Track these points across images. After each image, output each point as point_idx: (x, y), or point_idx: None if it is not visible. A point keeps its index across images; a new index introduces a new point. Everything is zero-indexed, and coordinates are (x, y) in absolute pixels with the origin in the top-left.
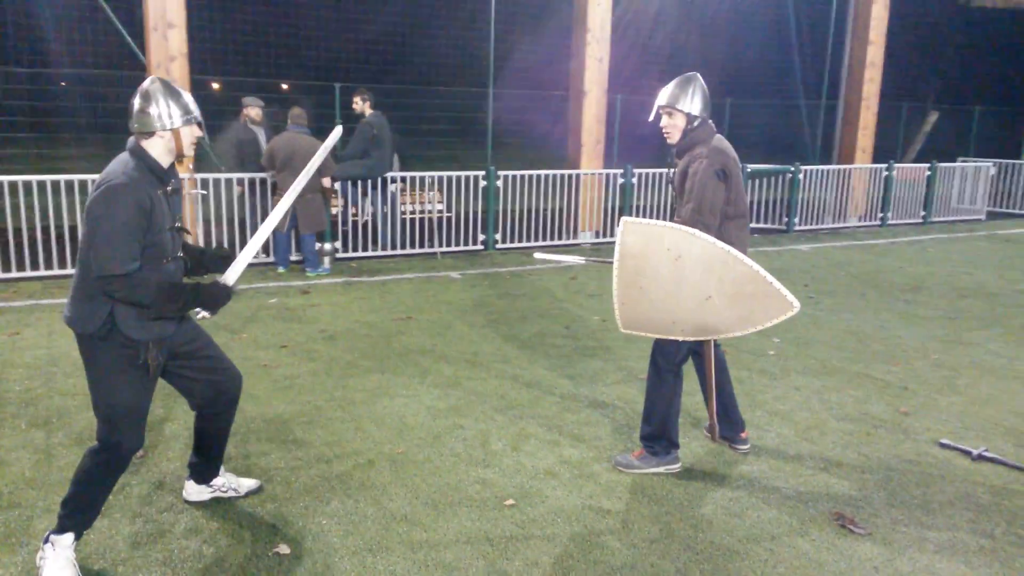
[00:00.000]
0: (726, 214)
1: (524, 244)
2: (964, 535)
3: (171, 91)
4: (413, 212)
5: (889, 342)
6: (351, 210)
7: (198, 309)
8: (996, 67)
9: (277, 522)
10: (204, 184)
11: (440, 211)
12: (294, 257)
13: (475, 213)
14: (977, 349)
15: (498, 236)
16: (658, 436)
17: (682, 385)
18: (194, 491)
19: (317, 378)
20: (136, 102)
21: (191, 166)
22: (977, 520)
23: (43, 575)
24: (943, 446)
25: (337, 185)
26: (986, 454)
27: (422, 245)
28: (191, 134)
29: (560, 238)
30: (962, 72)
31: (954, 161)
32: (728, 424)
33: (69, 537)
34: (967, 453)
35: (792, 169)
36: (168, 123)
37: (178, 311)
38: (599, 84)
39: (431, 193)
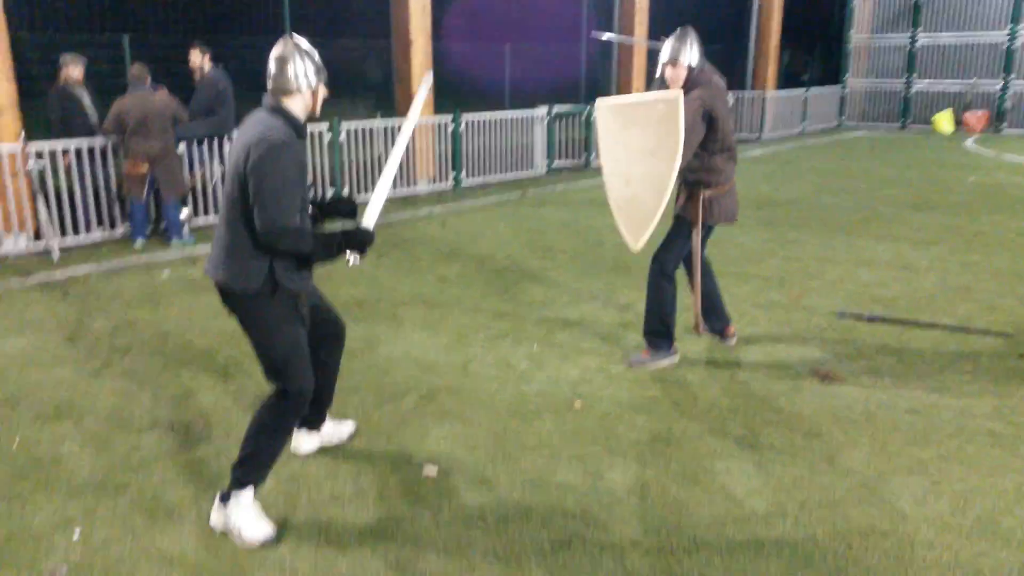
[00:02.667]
0: (714, 149)
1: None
2: (899, 370)
3: (306, 52)
4: None
5: (739, 247)
6: (197, 172)
7: (349, 255)
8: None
9: (401, 452)
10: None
11: None
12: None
13: (315, 168)
14: (804, 245)
15: (345, 191)
16: (661, 334)
17: (676, 289)
18: (305, 441)
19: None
20: (273, 63)
21: (22, 135)
22: (902, 358)
23: (243, 532)
24: (841, 315)
25: (181, 146)
26: (876, 315)
27: None
28: (322, 93)
29: (396, 187)
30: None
31: None
32: (717, 319)
33: (250, 492)
34: (860, 317)
35: (586, 108)
36: (307, 82)
37: (333, 258)
38: (424, 32)
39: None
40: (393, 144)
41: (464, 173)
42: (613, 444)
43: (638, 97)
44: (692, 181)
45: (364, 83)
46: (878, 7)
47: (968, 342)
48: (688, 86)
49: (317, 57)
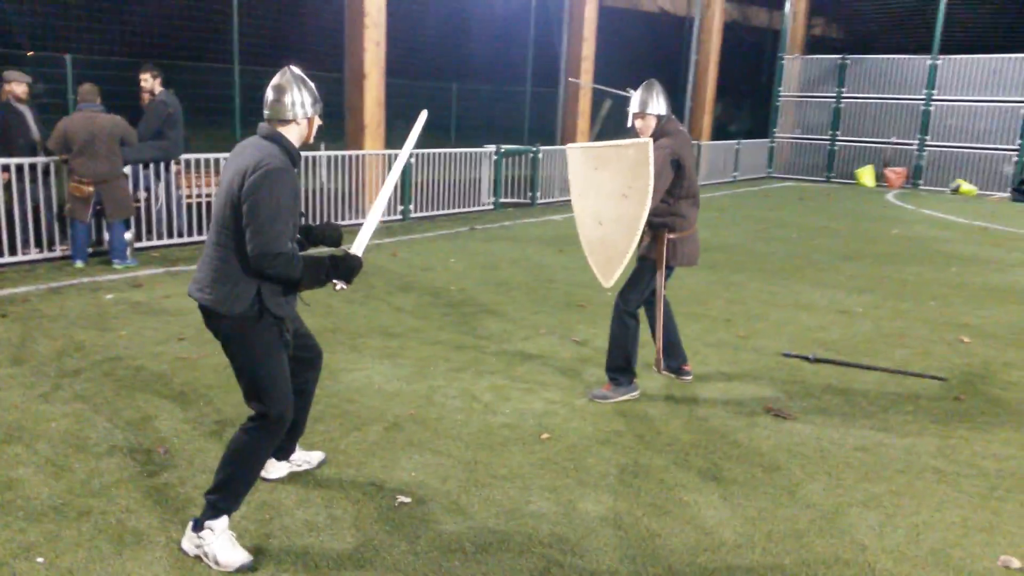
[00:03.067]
0: (680, 195)
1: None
2: (845, 409)
3: (303, 81)
4: (192, 196)
5: (687, 288)
6: (142, 195)
7: (335, 281)
8: (658, 62)
9: (371, 481)
10: None
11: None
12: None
13: None
14: (746, 288)
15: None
16: (623, 369)
17: (639, 326)
18: (274, 468)
19: None
20: (271, 91)
21: None
22: (848, 398)
23: (219, 558)
24: (787, 355)
25: (127, 168)
26: (819, 357)
27: (200, 232)
28: (317, 122)
29: (346, 218)
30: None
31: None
32: (675, 357)
33: (224, 520)
34: (805, 358)
35: (534, 149)
36: (304, 112)
37: (321, 284)
38: (378, 67)
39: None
40: (384, 180)
41: (413, 206)
42: (583, 475)
43: (609, 143)
44: (657, 224)
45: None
46: (806, 67)
47: (907, 384)
48: (656, 135)
49: (312, 86)
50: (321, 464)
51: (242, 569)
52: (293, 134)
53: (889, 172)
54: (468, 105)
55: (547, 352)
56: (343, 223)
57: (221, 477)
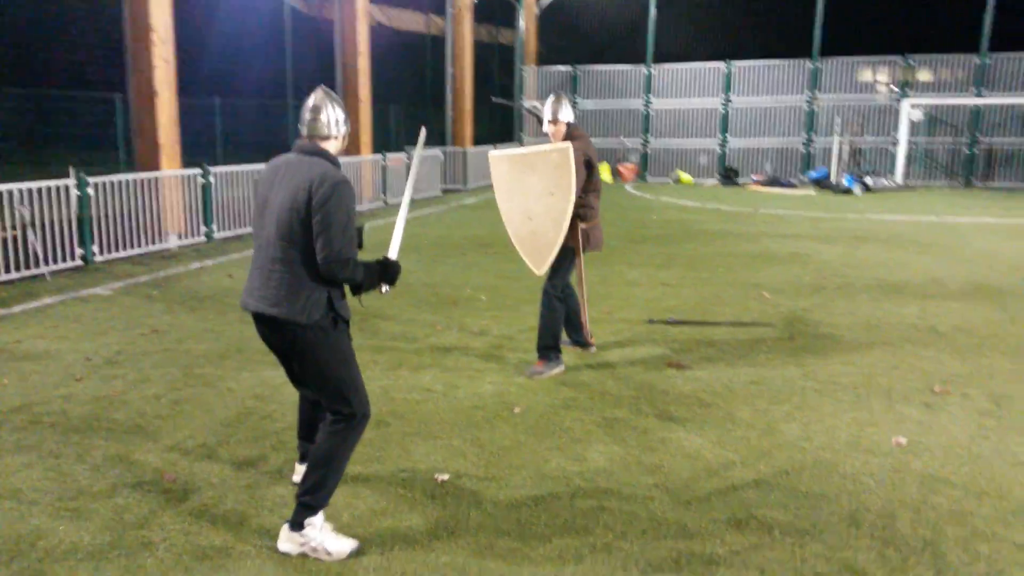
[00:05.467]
0: (589, 189)
1: (124, 253)
2: (721, 356)
3: (335, 99)
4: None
5: (534, 278)
6: None
7: (383, 284)
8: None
9: (403, 468)
10: None
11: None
12: None
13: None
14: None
15: (96, 248)
16: (552, 347)
17: (565, 308)
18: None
19: (203, 396)
20: (308, 111)
21: None
22: (717, 348)
23: (329, 549)
24: (651, 322)
25: None
26: (677, 320)
27: (18, 268)
28: (345, 137)
29: (143, 245)
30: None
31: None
32: (581, 333)
33: (320, 515)
34: (666, 322)
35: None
36: (339, 128)
37: (375, 287)
38: (169, 86)
39: (21, 208)
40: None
41: (215, 225)
42: (572, 434)
43: (529, 148)
44: (572, 216)
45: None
46: (542, 79)
47: (749, 332)
48: (566, 139)
49: (343, 105)
50: None
51: (353, 554)
52: (332, 148)
53: (622, 168)
54: (233, 121)
55: (459, 344)
56: (139, 251)
57: (315, 479)
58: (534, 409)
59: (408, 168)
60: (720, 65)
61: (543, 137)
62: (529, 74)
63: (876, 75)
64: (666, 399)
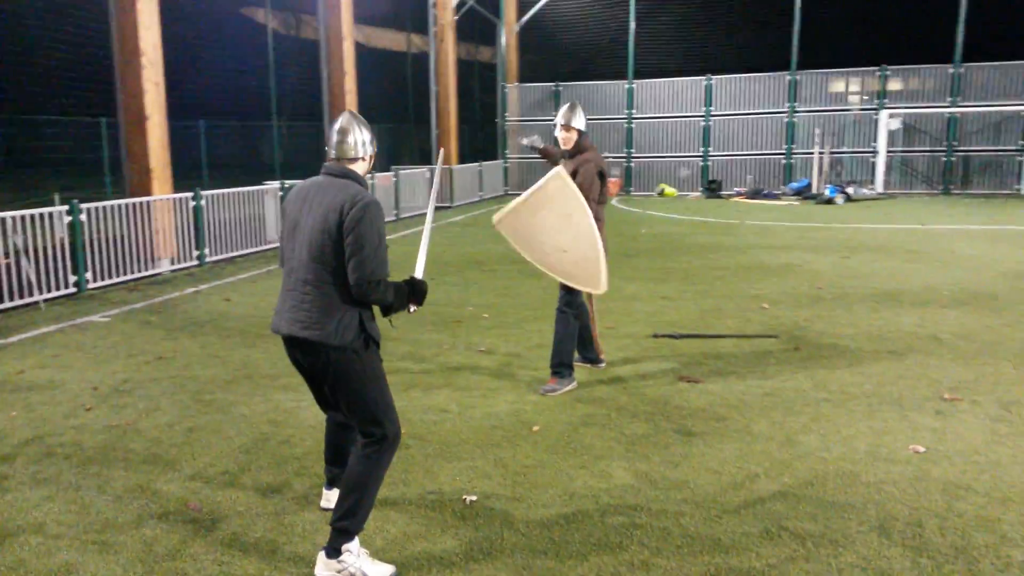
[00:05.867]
0: (600, 201)
1: (117, 279)
2: (730, 369)
3: (361, 122)
4: None
5: (526, 295)
6: None
7: (411, 304)
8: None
9: (430, 491)
10: None
11: (11, 255)
12: None
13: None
14: None
15: (89, 275)
16: (566, 364)
17: (578, 326)
18: (335, 498)
19: (217, 423)
20: (336, 134)
21: None
22: (725, 361)
23: (368, 574)
24: (656, 336)
25: None
26: (683, 334)
27: (11, 297)
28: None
29: (135, 271)
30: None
31: (388, 170)
32: (592, 350)
33: (356, 540)
34: (672, 336)
35: None
36: (366, 149)
37: (404, 307)
38: (160, 109)
39: (15, 236)
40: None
41: (208, 249)
42: (594, 452)
43: (525, 194)
44: None
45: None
46: (524, 94)
47: (755, 344)
48: (577, 148)
49: (369, 127)
50: None
51: None
52: (360, 169)
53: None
54: (217, 143)
55: (468, 363)
56: (131, 277)
57: (349, 504)
58: (553, 427)
59: (430, 184)
60: (701, 79)
61: (527, 152)
62: (511, 91)
63: (849, 87)
64: (682, 414)
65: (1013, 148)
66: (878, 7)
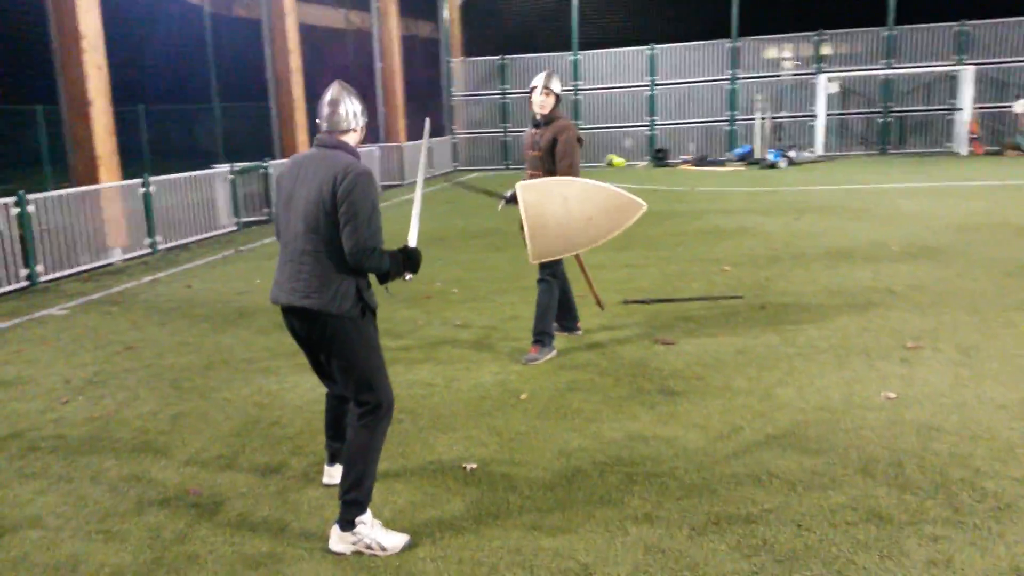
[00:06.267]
0: (576, 168)
1: (70, 270)
2: (701, 330)
3: (352, 92)
4: None
5: (499, 268)
6: None
7: (406, 272)
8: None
9: (430, 461)
10: None
11: None
12: None
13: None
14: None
15: (40, 267)
16: (548, 332)
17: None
18: (338, 473)
19: (202, 409)
20: (327, 106)
21: None
22: (696, 323)
23: (384, 544)
24: (626, 302)
25: None
26: (652, 299)
27: None
28: (363, 129)
29: (85, 262)
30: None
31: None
32: (571, 318)
33: (369, 511)
34: (642, 301)
35: (264, 165)
36: (357, 120)
37: (399, 275)
38: (103, 94)
39: None
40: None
41: (160, 236)
42: (583, 414)
43: (524, 225)
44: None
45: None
46: (471, 68)
47: (722, 305)
48: (554, 113)
49: (360, 97)
50: None
51: (407, 547)
52: (352, 140)
53: None
54: (156, 128)
55: (446, 338)
56: (84, 268)
57: (354, 476)
58: (540, 394)
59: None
60: (644, 49)
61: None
62: (456, 66)
63: (781, 52)
64: (662, 374)
65: (943, 107)
66: None
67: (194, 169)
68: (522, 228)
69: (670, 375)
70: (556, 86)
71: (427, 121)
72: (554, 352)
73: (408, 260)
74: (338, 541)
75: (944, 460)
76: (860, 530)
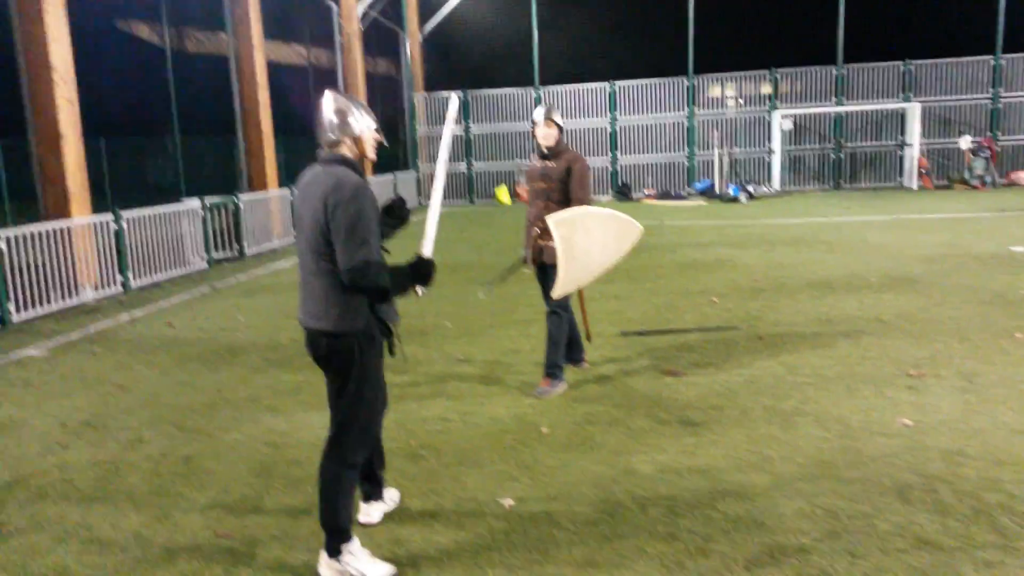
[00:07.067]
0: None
1: (42, 310)
2: (706, 360)
3: (334, 100)
4: None
5: (481, 304)
6: None
7: (417, 287)
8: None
9: (464, 499)
10: None
11: None
12: None
13: None
14: (527, 293)
15: (11, 307)
16: (559, 365)
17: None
18: (374, 511)
19: (213, 450)
20: (315, 122)
21: None
22: (699, 354)
23: (367, 574)
24: (624, 334)
25: None
26: (650, 330)
27: None
28: (372, 138)
29: (56, 301)
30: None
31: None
32: (576, 351)
33: (356, 539)
34: (639, 333)
35: (235, 200)
36: (344, 131)
37: (406, 291)
38: (74, 127)
39: None
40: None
41: (131, 274)
42: (609, 448)
43: (561, 261)
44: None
45: None
46: (430, 103)
47: (720, 337)
48: (559, 144)
49: (356, 106)
50: (400, 499)
51: None
52: (347, 151)
53: (520, 189)
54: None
55: (450, 372)
56: (55, 306)
57: (329, 507)
58: (560, 427)
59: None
60: (605, 85)
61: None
62: (419, 101)
63: (724, 91)
64: (679, 405)
65: (893, 143)
66: (766, 11)
67: (155, 204)
68: (525, 262)
69: (686, 406)
70: (559, 118)
71: (453, 97)
72: (565, 385)
73: (416, 273)
74: (326, 568)
75: (975, 485)
76: (913, 557)
